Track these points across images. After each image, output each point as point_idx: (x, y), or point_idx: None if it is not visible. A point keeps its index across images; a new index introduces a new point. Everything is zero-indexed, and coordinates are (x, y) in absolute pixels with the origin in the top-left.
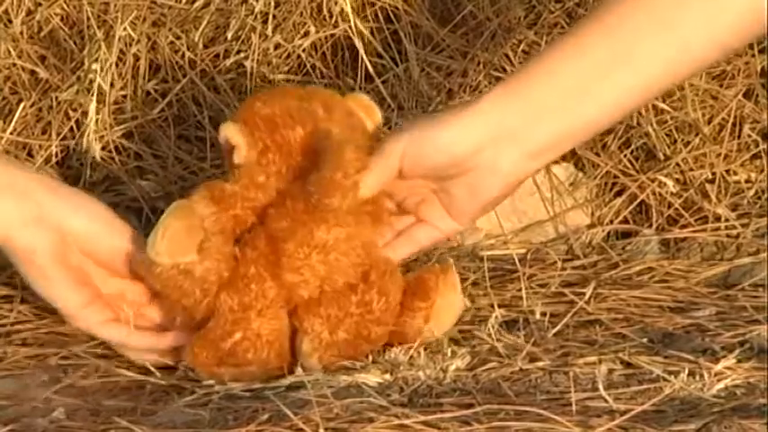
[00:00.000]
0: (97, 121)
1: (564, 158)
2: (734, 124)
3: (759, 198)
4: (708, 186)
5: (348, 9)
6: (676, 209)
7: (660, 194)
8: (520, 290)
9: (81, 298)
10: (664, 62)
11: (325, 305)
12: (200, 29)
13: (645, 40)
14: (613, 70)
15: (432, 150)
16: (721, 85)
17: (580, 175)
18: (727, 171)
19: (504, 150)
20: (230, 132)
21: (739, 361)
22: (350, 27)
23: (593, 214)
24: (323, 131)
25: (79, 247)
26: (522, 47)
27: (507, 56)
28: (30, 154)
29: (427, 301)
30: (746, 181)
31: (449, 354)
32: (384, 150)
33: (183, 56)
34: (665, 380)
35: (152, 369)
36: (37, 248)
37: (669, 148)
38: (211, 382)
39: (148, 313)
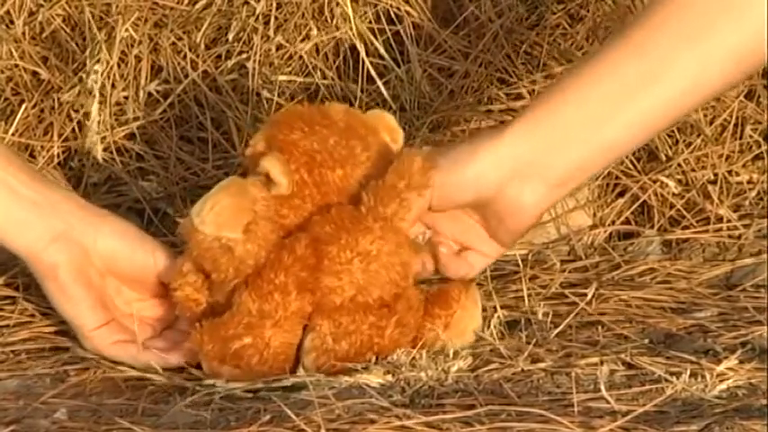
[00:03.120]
0: (99, 122)
1: None
2: (736, 125)
3: (761, 199)
4: (710, 187)
5: (349, 10)
6: (678, 210)
7: (662, 195)
8: (522, 291)
9: (96, 318)
10: (689, 80)
11: (341, 312)
12: (202, 30)
13: (671, 59)
14: (639, 92)
15: (457, 189)
16: None
17: None
18: (729, 172)
19: (528, 184)
20: (272, 167)
21: (741, 362)
22: (351, 28)
23: (594, 215)
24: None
25: (103, 265)
26: (524, 48)
27: (509, 57)
28: (32, 155)
29: (448, 310)
30: (748, 182)
31: (450, 354)
32: None
33: (185, 57)
34: (666, 381)
35: (157, 368)
36: (60, 265)
37: (671, 148)
38: (212, 381)
39: (169, 333)
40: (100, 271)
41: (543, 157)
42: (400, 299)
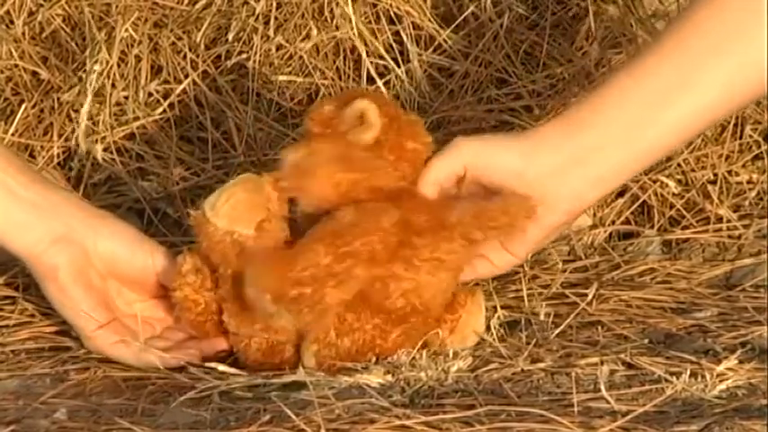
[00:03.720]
0: (99, 122)
1: None
2: (735, 125)
3: (761, 199)
4: (709, 187)
5: (349, 10)
6: (678, 210)
7: (662, 195)
8: (522, 291)
9: (98, 318)
10: (723, 86)
11: (348, 307)
12: (202, 30)
13: (703, 66)
14: (675, 96)
15: (494, 167)
16: None
17: None
18: (729, 172)
19: (567, 179)
20: (370, 107)
21: (741, 362)
22: (351, 28)
23: (594, 215)
24: None
25: (104, 266)
26: (523, 48)
27: (509, 57)
28: (31, 155)
29: (454, 315)
30: (748, 182)
31: (450, 355)
32: (448, 150)
33: (185, 57)
34: (666, 381)
35: (159, 366)
36: (60, 267)
37: None
38: (212, 380)
39: (169, 333)
40: (100, 273)
41: (583, 155)
42: (441, 311)
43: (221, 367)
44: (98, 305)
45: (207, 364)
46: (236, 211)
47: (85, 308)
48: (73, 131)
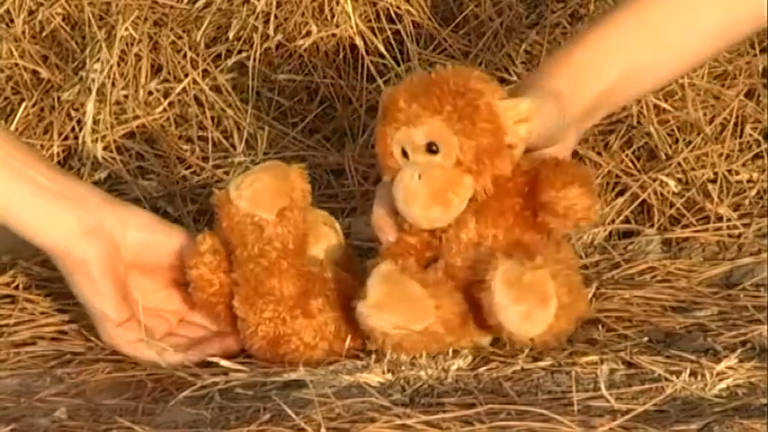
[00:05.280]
0: (99, 121)
1: None
2: (735, 124)
3: (761, 198)
4: (709, 186)
5: (349, 9)
6: (678, 208)
7: (662, 194)
8: None
9: (121, 313)
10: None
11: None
12: (202, 29)
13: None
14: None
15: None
16: (723, 85)
17: None
18: (729, 171)
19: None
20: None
21: (741, 361)
22: (351, 27)
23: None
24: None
25: (130, 257)
26: (523, 47)
27: (509, 56)
28: None
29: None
30: (748, 181)
31: (450, 353)
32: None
33: (185, 56)
34: (666, 380)
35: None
36: (90, 260)
37: (671, 147)
38: (212, 378)
39: (186, 326)
40: (126, 264)
41: (572, 87)
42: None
43: (223, 362)
44: (122, 299)
45: (209, 359)
46: (259, 195)
47: (113, 302)
48: (72, 130)
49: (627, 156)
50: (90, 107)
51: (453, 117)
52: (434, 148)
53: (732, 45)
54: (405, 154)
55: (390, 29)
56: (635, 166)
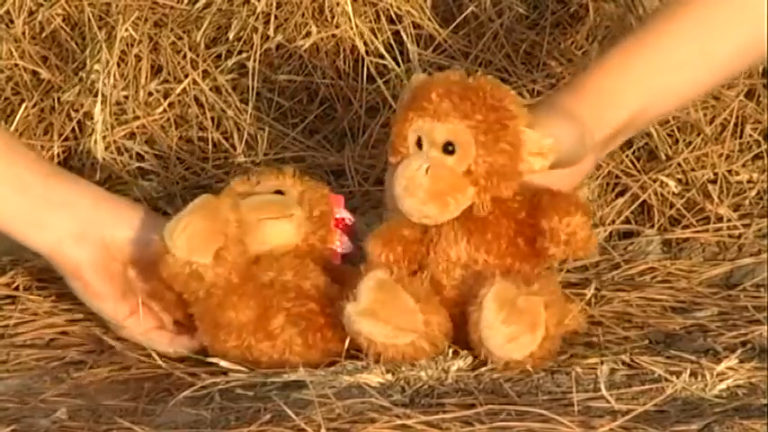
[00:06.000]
0: (99, 121)
1: None
2: (736, 124)
3: (761, 198)
4: (710, 187)
5: (349, 10)
6: (678, 209)
7: (662, 195)
8: None
9: (126, 308)
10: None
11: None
12: (202, 29)
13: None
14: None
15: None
16: (723, 86)
17: None
18: (729, 171)
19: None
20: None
21: (741, 361)
22: (351, 28)
23: (594, 214)
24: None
25: (123, 255)
26: (523, 47)
27: (509, 57)
28: None
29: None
30: (748, 181)
31: (450, 354)
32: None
33: (185, 56)
34: (666, 380)
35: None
36: (82, 264)
37: (671, 148)
38: (213, 378)
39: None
40: (122, 261)
41: (595, 114)
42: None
43: (223, 363)
44: (124, 294)
45: (209, 359)
46: (193, 241)
47: (112, 300)
48: (73, 131)
49: (627, 156)
50: (97, 110)
51: (481, 128)
52: (451, 148)
53: (753, 64)
54: (419, 144)
55: (390, 30)
56: (635, 166)
